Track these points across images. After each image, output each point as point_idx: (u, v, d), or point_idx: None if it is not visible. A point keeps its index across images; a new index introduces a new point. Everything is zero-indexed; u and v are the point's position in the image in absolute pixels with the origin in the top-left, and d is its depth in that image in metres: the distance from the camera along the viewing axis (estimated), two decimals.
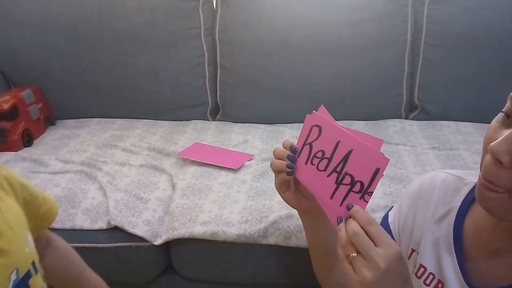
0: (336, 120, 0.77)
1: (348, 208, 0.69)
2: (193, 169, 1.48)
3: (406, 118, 1.90)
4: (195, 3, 1.79)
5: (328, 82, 1.81)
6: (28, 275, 0.70)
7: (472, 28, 1.75)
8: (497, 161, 0.59)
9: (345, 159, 0.72)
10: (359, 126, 1.79)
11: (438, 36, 1.80)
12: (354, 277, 0.64)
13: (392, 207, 0.91)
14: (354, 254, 0.65)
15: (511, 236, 0.67)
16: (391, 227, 0.88)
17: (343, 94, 1.82)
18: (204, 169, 1.48)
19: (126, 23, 1.79)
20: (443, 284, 0.74)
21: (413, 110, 1.91)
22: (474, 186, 0.69)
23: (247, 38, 1.80)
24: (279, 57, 1.79)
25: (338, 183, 0.73)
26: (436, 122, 1.81)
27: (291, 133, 1.75)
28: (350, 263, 0.66)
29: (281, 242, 1.23)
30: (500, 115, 0.63)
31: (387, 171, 1.44)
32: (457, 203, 0.77)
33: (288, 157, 0.82)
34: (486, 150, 0.62)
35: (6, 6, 1.81)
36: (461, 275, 0.72)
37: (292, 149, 0.82)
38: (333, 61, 1.79)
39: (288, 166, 0.82)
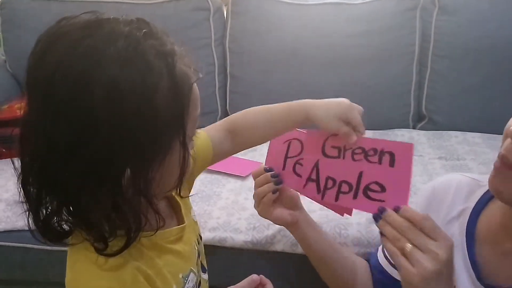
0: None
1: (383, 210, 0.68)
2: (202, 176, 1.49)
3: (414, 128, 1.91)
4: (206, 13, 1.82)
5: (336, 92, 1.78)
6: None
7: (480, 40, 1.76)
8: None
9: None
10: (367, 135, 1.75)
11: (446, 47, 1.81)
12: (412, 270, 0.62)
13: None
14: (410, 246, 0.63)
15: None
16: None
17: None
18: (213, 176, 1.49)
19: None
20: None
21: (421, 120, 1.92)
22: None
23: (257, 48, 1.82)
24: (288, 67, 1.81)
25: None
26: (443, 132, 1.81)
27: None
28: (405, 256, 0.64)
29: (288, 249, 1.24)
30: None
31: None
32: (471, 204, 0.78)
33: (273, 175, 0.89)
34: (506, 135, 0.66)
35: (19, 14, 1.85)
36: (472, 271, 0.73)
37: (267, 170, 0.90)
38: (342, 71, 1.81)
39: (275, 183, 0.89)
